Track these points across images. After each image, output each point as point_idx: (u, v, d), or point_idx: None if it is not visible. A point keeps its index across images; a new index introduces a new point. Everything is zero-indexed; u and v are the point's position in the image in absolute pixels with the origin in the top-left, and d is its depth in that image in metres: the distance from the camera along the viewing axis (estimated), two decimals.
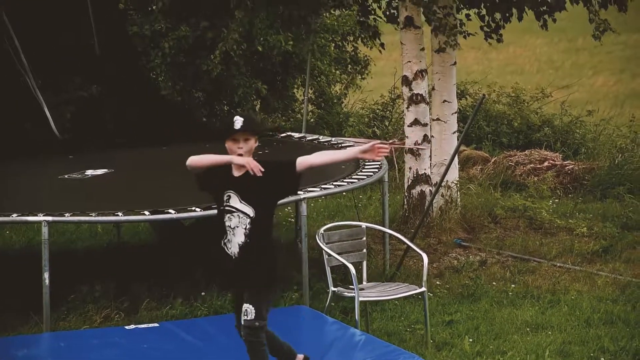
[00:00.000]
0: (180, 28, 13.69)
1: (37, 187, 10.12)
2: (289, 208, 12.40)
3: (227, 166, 6.79)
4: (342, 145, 11.49)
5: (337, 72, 16.48)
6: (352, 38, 15.87)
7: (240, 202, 6.71)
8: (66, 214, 8.52)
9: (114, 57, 13.73)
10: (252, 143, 6.81)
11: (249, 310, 6.59)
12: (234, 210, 6.71)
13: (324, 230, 8.61)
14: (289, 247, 10.98)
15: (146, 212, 8.66)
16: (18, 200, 9.39)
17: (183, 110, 14.38)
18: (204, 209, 8.67)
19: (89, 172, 10.31)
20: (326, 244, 8.49)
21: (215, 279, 8.23)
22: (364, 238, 8.83)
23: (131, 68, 13.99)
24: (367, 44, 14.33)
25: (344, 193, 11.98)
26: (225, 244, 6.73)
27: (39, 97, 12.41)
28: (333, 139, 12.05)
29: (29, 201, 9.34)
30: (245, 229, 6.68)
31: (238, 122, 6.78)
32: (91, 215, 8.62)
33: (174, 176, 10.44)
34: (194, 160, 6.89)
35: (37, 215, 8.39)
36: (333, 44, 16.01)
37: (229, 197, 6.74)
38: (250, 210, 6.70)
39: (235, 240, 6.69)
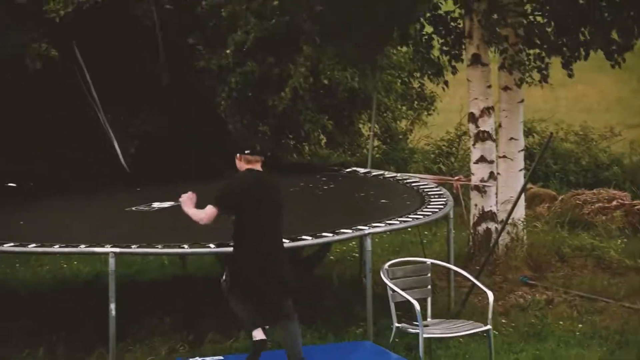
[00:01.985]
0: (247, 63, 13.79)
1: (104, 219, 10.22)
2: (354, 243, 12.38)
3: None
4: (407, 181, 11.47)
5: (403, 108, 16.49)
6: (418, 74, 15.87)
7: None
8: (133, 246, 8.60)
9: (181, 91, 13.87)
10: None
11: None
12: None
13: (389, 266, 8.58)
14: (353, 282, 10.95)
15: (211, 245, 8.70)
16: (86, 232, 9.49)
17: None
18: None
19: (156, 204, 10.40)
20: (391, 279, 8.45)
21: None
22: (429, 274, 8.78)
23: (197, 102, 14.12)
24: (433, 80, 14.33)
25: (409, 229, 11.94)
26: None
27: (108, 130, 12.57)
28: (398, 174, 12.04)
29: (96, 233, 9.43)
30: None
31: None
32: (157, 247, 8.69)
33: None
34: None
35: (104, 247, 8.47)
36: (399, 80, 16.02)
37: None
38: None
39: None
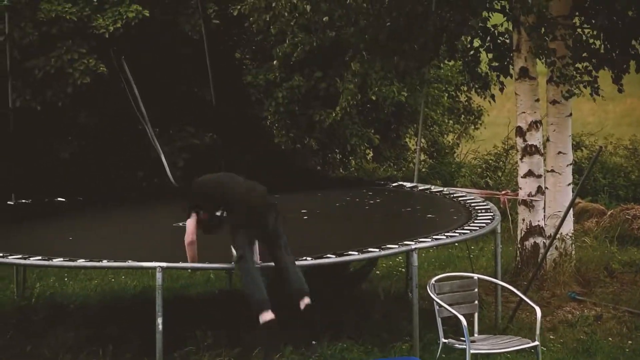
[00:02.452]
0: (293, 78, 13.84)
1: (152, 234, 10.28)
2: (400, 258, 12.35)
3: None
4: (454, 195, 11.42)
5: (450, 122, 16.45)
6: (465, 88, 15.83)
7: None
8: (180, 261, 8.63)
9: (228, 106, 13.95)
10: None
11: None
12: None
13: (435, 281, 8.53)
14: (399, 297, 10.91)
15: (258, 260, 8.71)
16: (133, 247, 9.55)
17: (296, 159, 14.50)
18: (315, 258, 8.69)
19: None
20: (437, 294, 8.41)
21: None
22: (476, 289, 8.73)
23: (245, 117, 14.18)
24: (480, 94, 14.28)
25: (456, 244, 11.88)
26: None
27: (156, 145, 12.65)
28: (445, 189, 11.98)
29: (144, 248, 9.49)
30: None
31: None
32: (204, 263, 8.71)
33: (286, 224, 10.50)
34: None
35: (151, 261, 8.52)
36: (446, 94, 15.99)
37: None
38: None
39: None
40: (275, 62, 13.33)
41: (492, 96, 13.14)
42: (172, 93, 13.84)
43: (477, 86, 13.17)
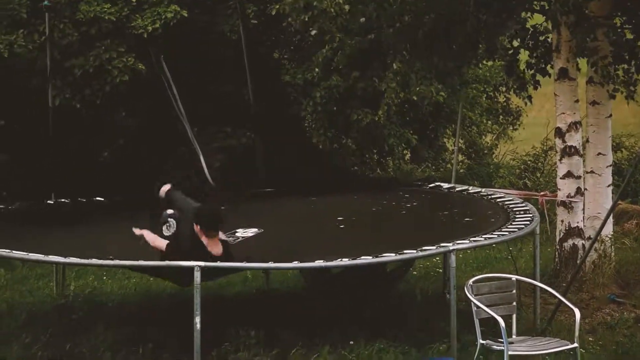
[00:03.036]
0: (331, 77, 13.84)
1: None
2: (438, 259, 12.31)
3: None
4: (492, 196, 11.37)
5: (489, 122, 16.38)
6: (504, 89, 15.77)
7: None
8: (217, 260, 8.65)
9: (266, 106, 13.96)
10: None
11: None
12: None
13: (473, 282, 8.49)
14: (437, 298, 10.88)
15: (295, 260, 8.71)
16: None
17: (334, 159, 14.50)
18: (352, 259, 8.68)
19: (240, 232, 10.40)
20: (475, 295, 8.37)
21: None
22: (514, 291, 8.68)
23: (282, 116, 14.19)
24: (519, 95, 14.20)
25: (494, 245, 11.82)
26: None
27: (195, 145, 12.68)
28: (483, 190, 11.93)
29: None
30: None
31: None
32: (242, 262, 8.72)
33: (323, 227, 10.52)
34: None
35: (189, 261, 8.53)
36: (485, 95, 15.92)
37: None
38: None
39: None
40: (317, 69, 13.32)
41: (529, 97, 13.04)
42: (210, 93, 13.87)
43: (515, 86, 13.10)
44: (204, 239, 8.70)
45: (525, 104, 13.70)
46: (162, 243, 8.84)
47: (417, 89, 13.22)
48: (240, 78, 13.61)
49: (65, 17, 12.67)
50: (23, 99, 12.88)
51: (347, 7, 11.21)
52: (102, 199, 11.75)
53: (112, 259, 8.80)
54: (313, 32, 12.02)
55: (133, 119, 13.50)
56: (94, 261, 8.85)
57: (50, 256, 8.97)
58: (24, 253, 9.06)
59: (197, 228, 8.73)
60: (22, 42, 12.49)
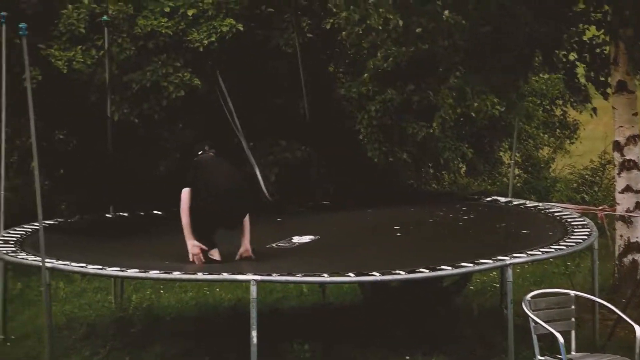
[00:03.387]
0: (386, 91, 13.82)
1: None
2: (494, 273, 12.23)
3: None
4: (549, 210, 11.28)
5: (545, 136, 16.27)
6: (561, 102, 15.66)
7: None
8: (274, 274, 8.67)
9: (321, 119, 13.98)
10: None
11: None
12: None
13: (531, 297, 8.43)
14: (494, 313, 10.81)
15: (351, 274, 8.71)
16: (228, 261, 9.62)
17: (389, 172, 14.47)
18: (409, 272, 8.65)
19: (296, 239, 10.45)
20: (533, 311, 8.31)
21: None
22: (573, 306, 8.60)
23: (337, 130, 14.19)
24: (576, 108, 14.10)
25: (551, 259, 11.72)
26: None
27: (251, 158, 12.73)
28: (540, 204, 11.84)
29: (238, 262, 9.55)
30: None
31: None
32: (297, 276, 8.74)
33: (379, 240, 10.50)
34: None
35: (246, 274, 8.58)
36: (541, 108, 15.82)
37: None
38: None
39: None
40: (365, 75, 13.32)
41: (594, 109, 12.88)
42: (265, 106, 13.92)
43: (574, 100, 12.99)
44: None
45: (592, 116, 13.53)
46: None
47: (475, 104, 13.17)
48: (295, 91, 13.65)
49: (123, 31, 12.80)
50: (82, 113, 13.02)
51: (400, 22, 11.19)
52: (160, 212, 11.83)
53: (169, 272, 8.86)
54: (365, 45, 12.03)
55: (189, 132, 13.58)
56: (152, 274, 8.92)
57: (108, 269, 9.05)
58: (83, 266, 9.16)
59: None
60: (81, 57, 12.64)
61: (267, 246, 10.28)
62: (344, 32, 12.17)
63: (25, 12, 12.71)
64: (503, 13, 11.10)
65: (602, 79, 12.00)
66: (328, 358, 9.08)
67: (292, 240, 10.37)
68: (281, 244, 10.30)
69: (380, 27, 11.35)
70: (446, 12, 10.65)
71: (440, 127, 12.61)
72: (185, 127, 13.53)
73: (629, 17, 10.63)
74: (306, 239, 10.41)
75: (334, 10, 12.73)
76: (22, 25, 9.24)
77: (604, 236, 13.00)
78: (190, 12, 12.95)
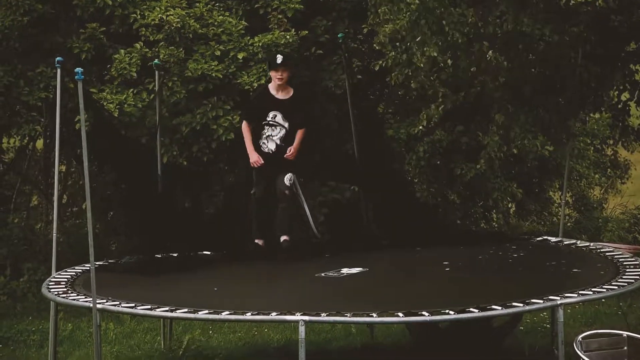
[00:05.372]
0: (435, 132, 13.82)
1: (295, 285, 10.35)
2: (545, 314, 12.11)
3: (269, 93, 11.24)
4: (601, 250, 11.17)
5: (597, 175, 16.14)
6: (611, 142, 15.54)
7: (283, 119, 11.13)
8: (322, 314, 8.66)
9: (369, 160, 13.98)
10: (287, 74, 11.13)
11: (291, 177, 11.20)
12: (277, 124, 11.13)
13: (582, 338, 8.33)
14: (545, 354, 10.69)
15: (400, 314, 8.67)
16: (277, 298, 9.63)
17: (437, 213, 14.42)
18: (458, 312, 8.60)
19: (345, 270, 10.48)
20: (584, 352, 8.22)
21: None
22: (625, 347, 8.48)
23: (386, 170, 14.19)
24: (627, 147, 13.98)
25: (603, 300, 11.59)
26: (261, 146, 11.19)
27: (301, 198, 12.73)
28: (591, 244, 11.73)
29: (287, 299, 9.56)
30: (280, 136, 11.19)
31: (279, 58, 11.14)
32: (346, 316, 8.72)
33: (428, 278, 10.46)
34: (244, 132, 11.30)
35: (294, 315, 8.57)
36: (592, 148, 15.72)
37: (275, 115, 11.15)
38: (287, 124, 11.16)
39: (271, 144, 11.19)
40: (420, 127, 13.31)
41: None
42: (315, 147, 13.97)
43: (624, 140, 12.87)
44: None
45: None
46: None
47: (524, 142, 13.09)
48: (344, 132, 13.68)
49: (174, 74, 12.94)
50: (132, 155, 13.14)
51: (449, 61, 11.18)
52: (209, 253, 11.88)
53: (218, 313, 8.88)
54: (414, 86, 12.03)
55: (238, 174, 13.64)
56: (201, 315, 8.95)
57: (157, 310, 9.10)
58: (132, 306, 9.22)
59: None
60: (132, 100, 12.79)
61: (316, 275, 10.30)
62: (392, 73, 12.18)
63: (78, 56, 12.94)
64: (553, 54, 11.07)
65: None
66: None
67: (341, 272, 10.41)
68: (330, 274, 10.33)
69: (422, 66, 11.34)
70: (490, 52, 10.65)
71: (486, 164, 12.52)
72: (232, 169, 13.60)
73: None
74: (355, 270, 10.44)
75: (382, 50, 12.77)
76: (78, 69, 9.41)
77: None
78: (240, 56, 13.06)
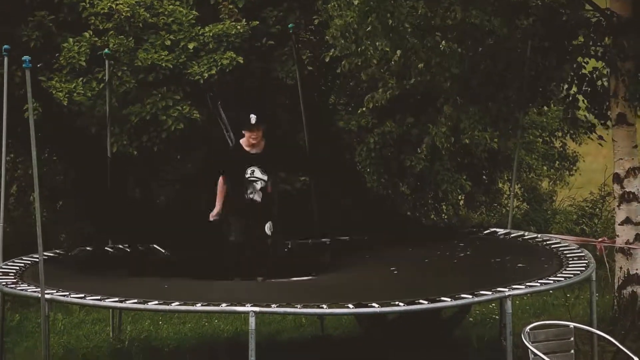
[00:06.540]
0: (385, 123, 13.85)
1: (244, 283, 10.33)
2: (493, 305, 12.21)
3: (242, 149, 10.88)
4: (548, 242, 11.28)
5: (545, 168, 16.27)
6: (560, 134, 15.67)
7: (261, 172, 10.82)
8: (273, 305, 8.67)
9: (320, 150, 13.99)
10: (261, 133, 10.82)
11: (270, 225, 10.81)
12: (257, 179, 10.82)
13: (530, 329, 8.41)
14: (493, 345, 10.78)
15: (350, 305, 8.70)
16: (227, 292, 9.61)
17: (388, 204, 14.47)
18: (408, 304, 8.65)
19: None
20: (532, 343, 8.30)
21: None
22: (572, 338, 8.58)
23: (337, 161, 14.20)
24: (576, 139, 14.10)
25: (550, 291, 11.71)
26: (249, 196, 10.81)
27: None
28: (539, 235, 11.83)
29: (237, 291, 9.55)
30: (262, 187, 10.83)
31: (253, 119, 10.77)
32: (296, 307, 8.74)
33: (377, 269, 10.50)
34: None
35: (245, 306, 8.57)
36: (541, 140, 15.83)
37: (253, 170, 10.84)
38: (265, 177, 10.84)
39: (257, 196, 10.82)
40: (364, 108, 13.33)
41: (600, 137, 12.83)
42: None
43: (573, 132, 12.97)
44: None
45: (601, 145, 13.49)
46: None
47: (473, 133, 13.14)
48: (296, 123, 13.67)
49: (123, 64, 12.85)
50: (81, 145, 13.04)
51: (398, 53, 11.19)
52: (162, 250, 11.80)
53: (168, 304, 8.85)
54: (364, 78, 12.05)
55: (189, 164, 13.59)
56: (151, 305, 8.92)
57: (106, 301, 9.05)
58: (81, 297, 9.16)
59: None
60: (81, 89, 12.68)
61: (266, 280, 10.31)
62: (343, 62, 12.19)
63: (26, 44, 12.79)
64: (502, 48, 11.15)
65: (600, 111, 12.02)
66: None
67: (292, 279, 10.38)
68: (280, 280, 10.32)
69: (376, 61, 11.40)
70: (443, 42, 10.71)
71: (428, 153, 12.54)
72: (183, 158, 13.54)
73: (628, 50, 10.67)
74: (305, 278, 10.43)
75: (331, 42, 12.78)
76: (26, 57, 9.29)
77: (603, 268, 13.01)
78: (190, 46, 13.00)
